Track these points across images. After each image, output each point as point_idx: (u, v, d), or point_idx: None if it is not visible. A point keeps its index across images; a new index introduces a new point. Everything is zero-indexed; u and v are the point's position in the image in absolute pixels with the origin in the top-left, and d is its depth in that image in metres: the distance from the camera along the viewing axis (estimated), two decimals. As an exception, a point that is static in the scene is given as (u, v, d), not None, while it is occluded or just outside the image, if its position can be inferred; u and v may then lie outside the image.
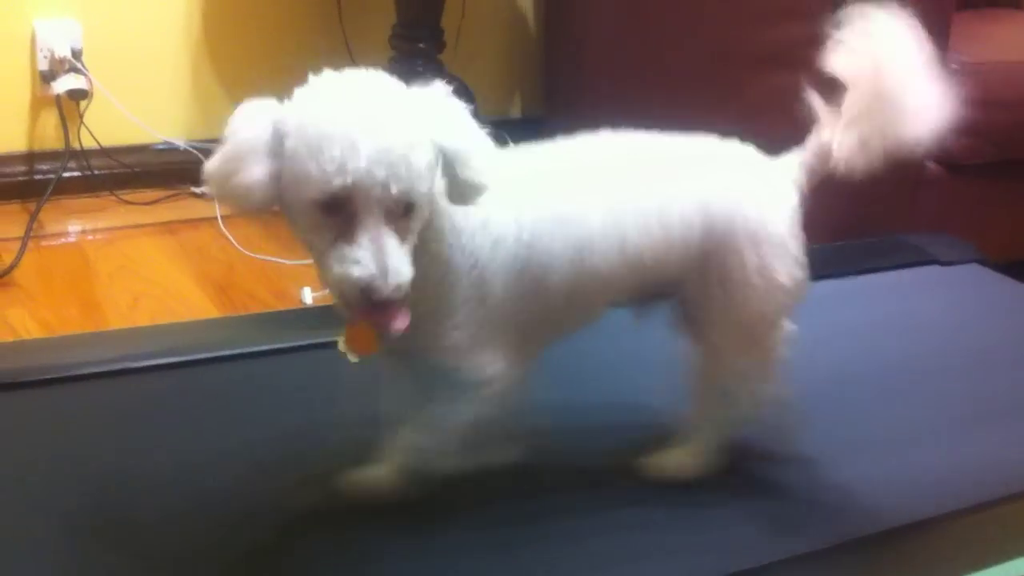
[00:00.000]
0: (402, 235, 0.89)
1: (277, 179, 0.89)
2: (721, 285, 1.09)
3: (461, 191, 0.93)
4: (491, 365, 1.04)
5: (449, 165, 0.92)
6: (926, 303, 1.76)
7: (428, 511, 1.12)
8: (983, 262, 1.92)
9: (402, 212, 0.89)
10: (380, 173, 0.85)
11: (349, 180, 0.85)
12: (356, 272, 0.87)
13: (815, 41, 1.09)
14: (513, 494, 1.16)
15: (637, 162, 1.09)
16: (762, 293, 1.09)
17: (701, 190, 1.08)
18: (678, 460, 1.20)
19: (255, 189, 0.89)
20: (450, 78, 2.59)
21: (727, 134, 1.14)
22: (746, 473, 1.23)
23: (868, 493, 1.22)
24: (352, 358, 1.00)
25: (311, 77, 0.92)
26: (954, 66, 2.10)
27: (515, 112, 3.01)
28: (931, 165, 2.15)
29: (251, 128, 0.90)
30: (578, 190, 1.05)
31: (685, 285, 1.11)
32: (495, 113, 2.87)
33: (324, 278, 0.92)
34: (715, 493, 1.19)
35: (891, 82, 1.07)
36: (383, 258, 0.87)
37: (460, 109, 0.93)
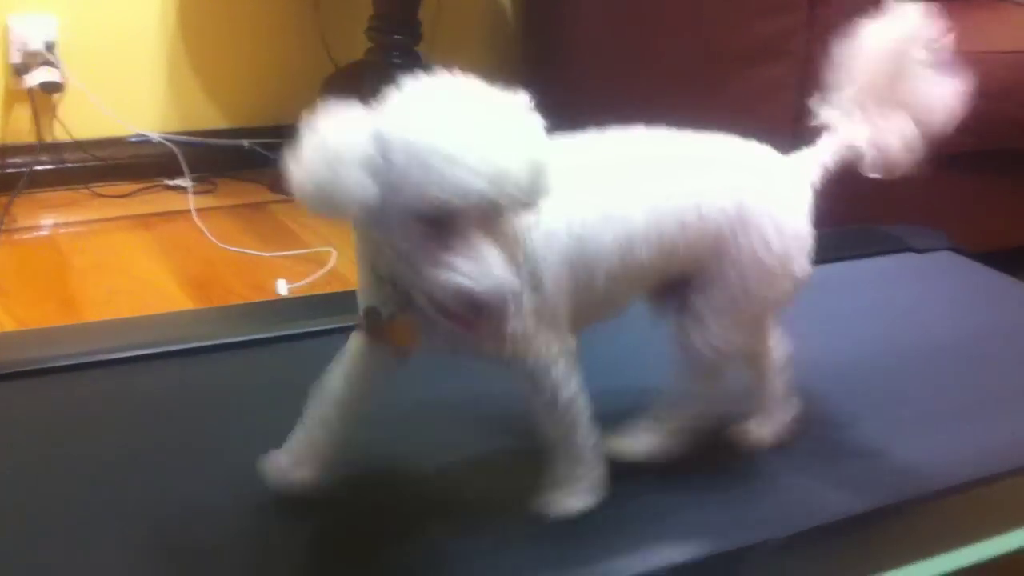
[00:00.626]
0: (498, 242, 0.91)
1: (381, 190, 0.89)
2: (733, 271, 1.12)
3: (531, 199, 0.94)
4: (549, 349, 1.06)
5: (534, 175, 0.92)
6: (901, 291, 1.77)
7: (419, 508, 1.12)
8: (958, 251, 1.93)
9: (497, 220, 0.91)
10: (483, 186, 0.86)
11: (459, 197, 0.86)
12: (459, 281, 0.88)
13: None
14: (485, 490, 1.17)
15: (670, 157, 1.13)
16: (776, 279, 1.13)
17: (732, 184, 1.12)
18: (639, 439, 1.21)
19: (358, 198, 0.89)
20: (427, 70, 2.60)
21: (714, 128, 1.16)
22: (718, 458, 1.24)
23: (842, 479, 1.22)
24: (390, 352, 1.03)
25: (405, 84, 0.92)
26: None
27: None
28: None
29: (349, 136, 0.90)
30: (620, 185, 1.08)
31: (706, 271, 1.13)
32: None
33: (420, 285, 0.93)
34: (690, 479, 1.19)
35: (912, 74, 1.11)
36: (493, 270, 0.88)
37: (539, 122, 0.94)
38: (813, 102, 1.15)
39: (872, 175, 1.16)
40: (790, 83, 2.08)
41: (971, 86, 2.16)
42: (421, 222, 0.89)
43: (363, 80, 2.33)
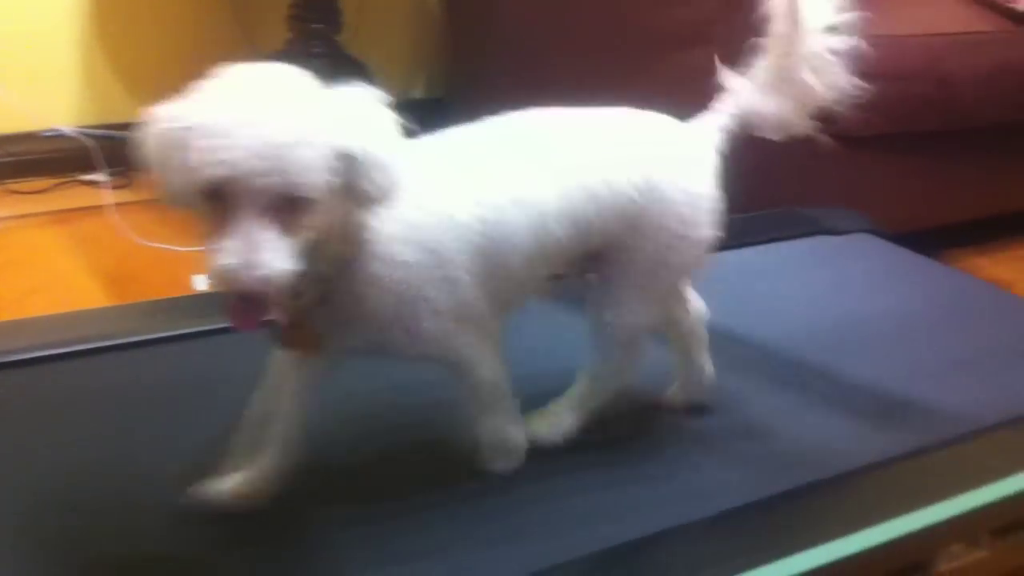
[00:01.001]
0: (288, 230, 0.88)
1: (178, 173, 0.88)
2: (634, 240, 1.13)
3: (363, 195, 0.92)
4: (467, 347, 1.07)
5: (353, 168, 0.90)
6: (819, 273, 1.79)
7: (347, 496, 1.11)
8: (876, 232, 1.96)
9: (288, 207, 0.87)
10: (256, 165, 0.84)
11: (224, 170, 0.85)
12: (221, 260, 0.86)
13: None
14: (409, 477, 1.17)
15: (574, 134, 1.13)
16: (687, 243, 1.14)
17: (637, 154, 1.12)
18: (551, 419, 1.22)
19: (173, 187, 0.89)
20: (347, 59, 2.58)
21: (644, 105, 1.17)
22: (628, 436, 1.26)
23: (762, 458, 1.24)
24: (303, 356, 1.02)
25: (216, 70, 0.90)
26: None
27: (418, 92, 2.99)
28: (826, 138, 2.17)
29: (159, 125, 0.90)
30: (526, 167, 1.08)
31: (614, 244, 1.14)
32: (397, 93, 2.84)
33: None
34: (600, 458, 1.20)
35: (808, 46, 1.13)
36: (251, 249, 0.85)
37: (380, 114, 0.93)
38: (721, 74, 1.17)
39: (765, 135, 1.18)
40: (711, 68, 2.10)
41: (886, 68, 2.21)
42: (205, 201, 0.87)
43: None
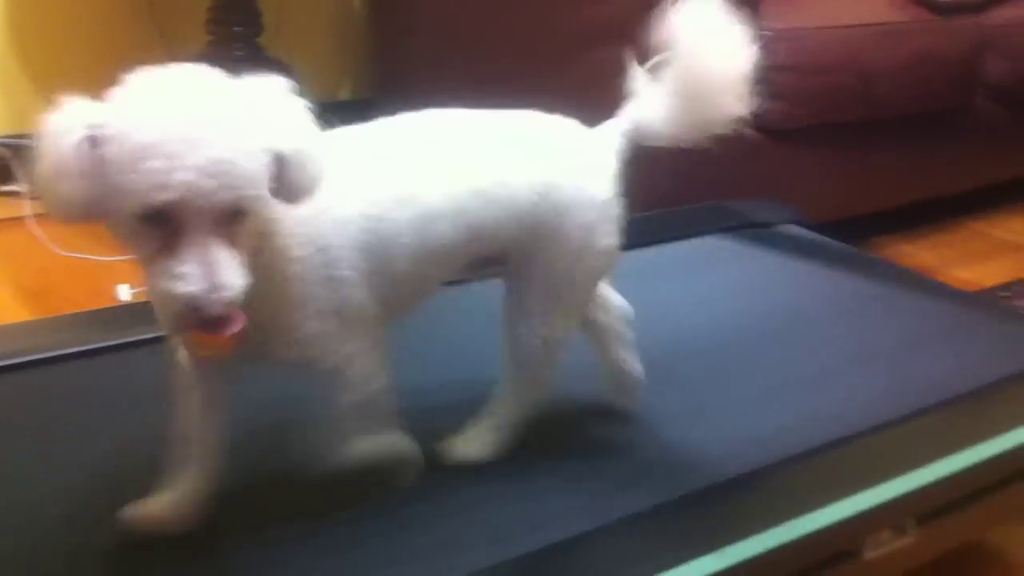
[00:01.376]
0: (233, 243, 0.86)
1: (98, 190, 0.83)
2: (540, 250, 1.11)
3: (292, 192, 0.90)
4: (350, 350, 1.03)
5: (283, 167, 0.88)
6: (746, 266, 1.80)
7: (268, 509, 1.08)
8: (801, 223, 1.97)
9: (232, 219, 0.85)
10: (208, 184, 0.81)
11: (174, 194, 0.81)
12: (182, 288, 0.83)
13: (643, 16, 1.10)
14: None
15: (469, 137, 1.11)
16: (577, 258, 1.12)
17: (524, 161, 1.10)
18: (477, 439, 1.20)
19: (75, 202, 0.84)
20: (270, 62, 2.55)
21: (559, 109, 1.16)
22: (568, 441, 1.25)
23: (693, 456, 1.24)
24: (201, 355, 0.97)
25: (129, 76, 0.86)
26: (768, 33, 2.16)
27: (345, 94, 2.97)
28: (750, 132, 2.20)
29: (66, 135, 0.83)
30: (417, 167, 1.05)
31: (516, 251, 1.12)
32: (324, 95, 2.82)
33: (149, 293, 0.87)
34: (536, 466, 1.19)
35: (706, 56, 1.10)
36: (213, 273, 0.83)
37: (296, 106, 0.90)
38: (628, 77, 1.15)
39: (663, 144, 1.14)
40: (629, 67, 2.10)
41: (806, 61, 2.24)
42: (144, 223, 0.83)
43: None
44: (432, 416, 1.23)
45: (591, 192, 1.12)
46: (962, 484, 1.26)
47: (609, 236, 1.13)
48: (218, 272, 0.83)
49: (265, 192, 0.87)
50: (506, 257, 1.13)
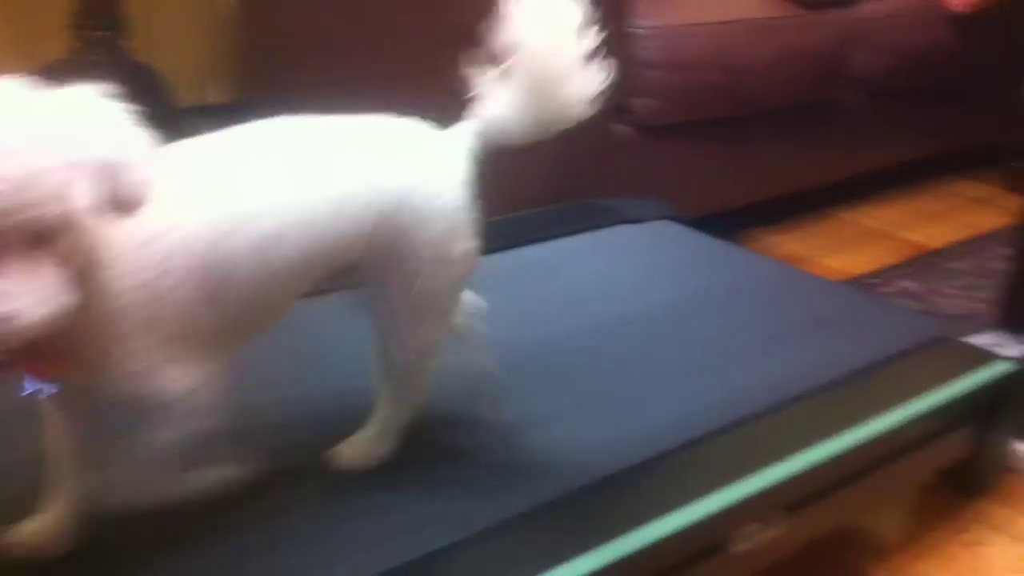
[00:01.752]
0: (44, 265, 0.80)
1: None
2: (397, 262, 1.09)
3: (117, 205, 0.84)
4: (180, 381, 0.96)
5: (103, 179, 0.83)
6: (619, 263, 1.81)
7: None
8: (674, 219, 2.00)
9: (39, 240, 0.79)
10: (5, 204, 0.76)
11: None
12: None
13: (488, 18, 1.09)
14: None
15: (314, 147, 1.07)
16: (436, 267, 1.10)
17: (374, 170, 1.07)
18: (362, 447, 1.19)
19: None
20: (137, 66, 2.48)
21: (417, 111, 1.14)
22: (442, 445, 1.24)
23: (568, 455, 1.24)
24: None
25: None
26: (639, 31, 2.18)
27: (214, 97, 2.90)
28: (622, 128, 2.21)
29: None
30: (261, 182, 1.01)
31: (366, 266, 1.10)
32: (192, 99, 2.75)
33: None
34: (409, 471, 1.18)
35: (550, 55, 1.09)
36: (17, 295, 0.78)
37: (118, 114, 0.85)
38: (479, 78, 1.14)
39: (515, 143, 1.14)
40: (481, 69, 2.09)
41: (675, 58, 2.26)
42: None
43: (65, 82, 2.19)
44: (317, 426, 1.23)
45: (444, 198, 1.10)
46: (830, 472, 1.29)
47: (466, 241, 1.12)
48: (24, 293, 0.78)
49: (75, 209, 0.81)
50: (363, 269, 1.10)
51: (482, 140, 1.14)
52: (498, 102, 1.13)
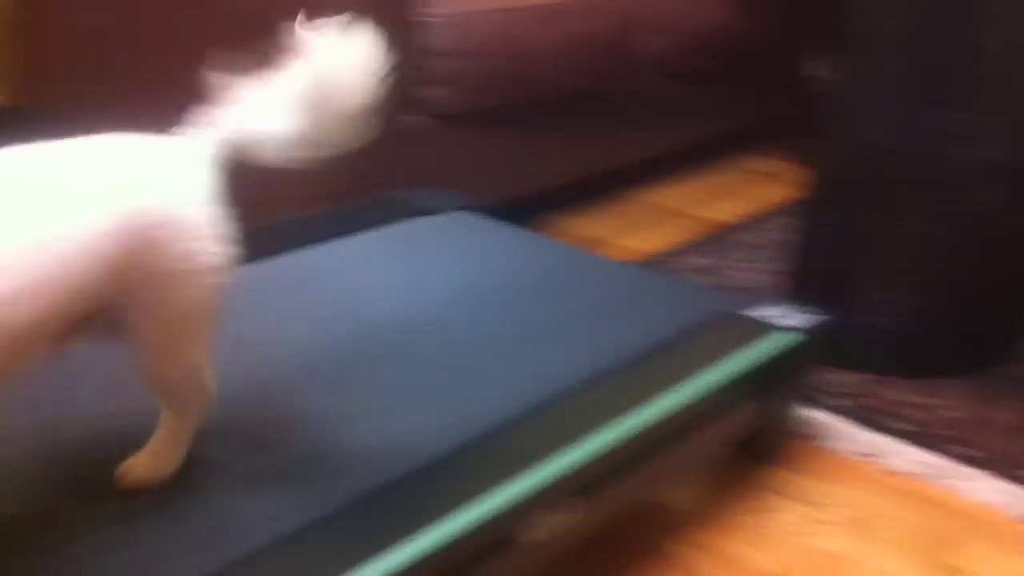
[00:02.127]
0: None
1: None
2: (151, 289, 1.03)
3: None
4: None
5: None
6: (415, 256, 1.79)
7: None
8: (470, 208, 1.99)
9: None
10: None
11: None
12: None
13: (286, 11, 1.05)
14: None
15: (24, 183, 0.95)
16: (193, 282, 1.05)
17: (108, 196, 0.99)
18: (151, 461, 1.14)
19: None
20: None
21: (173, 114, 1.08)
22: (235, 448, 1.20)
23: (352, 457, 1.22)
24: None
25: None
26: (430, 19, 2.17)
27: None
28: (413, 118, 2.20)
29: None
30: None
31: (114, 304, 1.02)
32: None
33: None
34: (208, 479, 1.15)
35: (334, 69, 1.07)
36: None
37: None
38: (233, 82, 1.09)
39: (273, 157, 1.10)
40: (266, 63, 2.05)
41: (463, 46, 2.26)
42: None
43: None
44: (107, 443, 1.17)
45: (178, 212, 1.02)
46: (621, 453, 1.31)
47: (215, 254, 1.05)
48: None
49: None
50: (108, 313, 1.02)
51: (233, 148, 1.09)
52: (260, 110, 1.08)
